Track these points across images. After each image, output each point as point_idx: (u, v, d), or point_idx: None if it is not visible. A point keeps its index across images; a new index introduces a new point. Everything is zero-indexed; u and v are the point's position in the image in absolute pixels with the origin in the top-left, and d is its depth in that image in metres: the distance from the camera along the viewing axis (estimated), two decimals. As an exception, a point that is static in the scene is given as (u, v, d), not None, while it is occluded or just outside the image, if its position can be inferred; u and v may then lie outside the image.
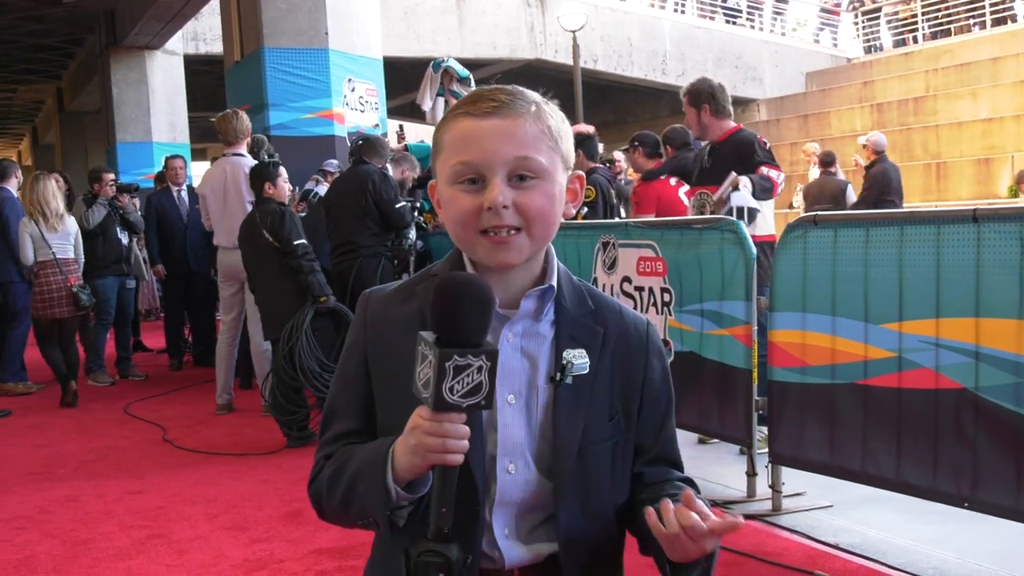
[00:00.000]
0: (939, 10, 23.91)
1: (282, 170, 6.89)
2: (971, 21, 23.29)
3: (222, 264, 7.70)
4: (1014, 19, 22.18)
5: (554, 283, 1.54)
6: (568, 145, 1.53)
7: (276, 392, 6.51)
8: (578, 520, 1.52)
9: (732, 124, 6.11)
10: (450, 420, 1.31)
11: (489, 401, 1.31)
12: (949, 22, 23.84)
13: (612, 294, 5.49)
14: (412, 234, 7.75)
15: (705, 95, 6.09)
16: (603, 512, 1.56)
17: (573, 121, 21.12)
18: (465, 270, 1.52)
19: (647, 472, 1.62)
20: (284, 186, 6.84)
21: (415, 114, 26.87)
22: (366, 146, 7.84)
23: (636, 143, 7.88)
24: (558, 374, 1.51)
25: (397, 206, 7.44)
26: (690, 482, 1.63)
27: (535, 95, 1.53)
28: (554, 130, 1.50)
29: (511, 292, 1.52)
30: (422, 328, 1.37)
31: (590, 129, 7.80)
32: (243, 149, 7.72)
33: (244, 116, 7.80)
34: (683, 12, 26.20)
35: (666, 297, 5.24)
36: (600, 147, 8.00)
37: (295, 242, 6.53)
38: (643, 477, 1.61)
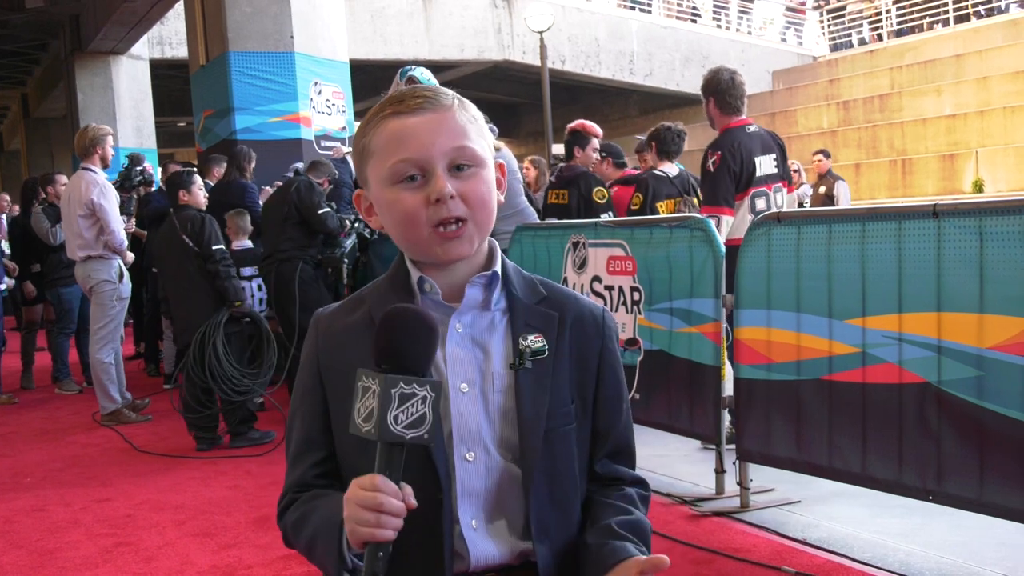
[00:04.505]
0: (903, 8, 24.12)
1: (196, 178, 7.08)
2: (934, 19, 23.51)
3: (76, 275, 7.81)
4: (979, 15, 22.40)
5: (498, 270, 1.56)
6: (489, 135, 1.57)
7: (185, 392, 6.58)
8: (547, 507, 1.53)
9: (734, 120, 5.89)
10: (387, 493, 1.28)
11: (431, 436, 1.29)
12: (913, 20, 24.06)
13: (582, 293, 5.50)
14: (348, 243, 7.74)
15: (712, 87, 5.93)
16: (570, 500, 1.57)
17: (542, 121, 21.15)
18: (409, 281, 1.54)
19: (601, 471, 1.63)
20: (199, 193, 7.02)
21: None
22: (311, 164, 8.12)
23: (604, 154, 7.93)
24: (517, 359, 1.52)
25: (319, 212, 7.43)
26: (641, 483, 1.67)
27: (450, 90, 1.56)
28: (478, 120, 1.54)
29: (455, 284, 1.54)
30: (372, 330, 1.37)
31: (592, 129, 7.74)
32: (93, 164, 7.72)
33: (91, 130, 7.78)
34: (650, 12, 26.30)
35: (636, 296, 5.25)
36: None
37: (214, 247, 6.67)
38: (597, 476, 1.63)
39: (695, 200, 6.99)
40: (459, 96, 1.55)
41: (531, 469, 1.51)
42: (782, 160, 5.97)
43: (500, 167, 1.59)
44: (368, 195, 1.56)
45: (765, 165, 5.85)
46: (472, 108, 1.55)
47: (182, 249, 6.68)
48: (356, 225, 7.79)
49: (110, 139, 7.85)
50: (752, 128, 5.91)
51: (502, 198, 1.59)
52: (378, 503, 1.28)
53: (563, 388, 1.56)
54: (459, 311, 1.53)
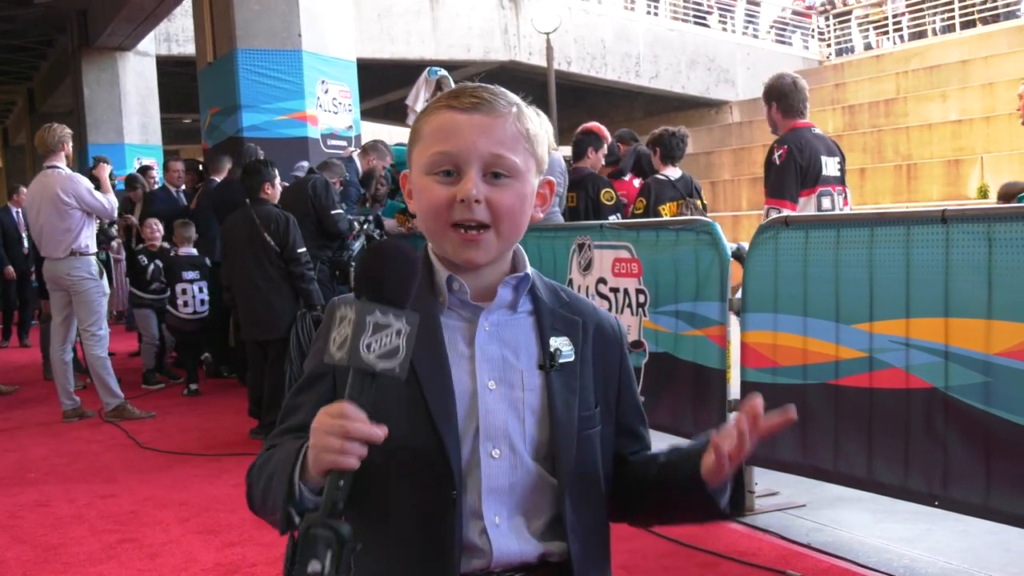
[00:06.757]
0: (912, 12, 24.11)
1: (276, 171, 6.97)
2: (938, 23, 23.50)
3: (47, 272, 7.64)
4: (986, 21, 22.37)
5: (529, 272, 1.58)
6: (543, 150, 1.57)
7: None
8: (582, 509, 1.55)
9: (798, 122, 5.88)
10: (354, 420, 1.26)
11: (403, 370, 1.27)
12: (918, 25, 24.04)
13: (587, 295, 5.50)
14: (356, 246, 7.78)
15: (774, 93, 5.96)
16: (599, 501, 1.61)
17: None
18: (435, 279, 1.55)
19: (633, 459, 1.70)
20: (279, 188, 6.95)
21: (389, 116, 26.83)
22: (323, 164, 8.15)
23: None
24: (548, 361, 1.54)
25: (332, 212, 7.45)
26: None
27: (516, 97, 1.56)
28: (532, 133, 1.54)
29: (483, 285, 1.55)
30: None
31: (605, 134, 7.78)
32: (59, 161, 7.61)
33: (57, 128, 7.68)
34: (656, 15, 26.27)
35: (641, 298, 5.25)
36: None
37: (299, 250, 6.62)
38: (627, 462, 1.68)
39: (699, 202, 7.04)
40: (522, 104, 1.55)
41: (565, 471, 1.53)
42: (843, 166, 6.02)
43: (549, 184, 1.61)
44: (411, 178, 1.58)
45: (830, 167, 5.84)
46: (532, 120, 1.55)
47: (262, 246, 6.58)
48: (365, 227, 7.82)
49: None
50: (816, 130, 5.93)
51: (540, 214, 1.60)
52: (345, 430, 1.25)
53: (588, 392, 1.59)
54: (488, 310, 1.55)
